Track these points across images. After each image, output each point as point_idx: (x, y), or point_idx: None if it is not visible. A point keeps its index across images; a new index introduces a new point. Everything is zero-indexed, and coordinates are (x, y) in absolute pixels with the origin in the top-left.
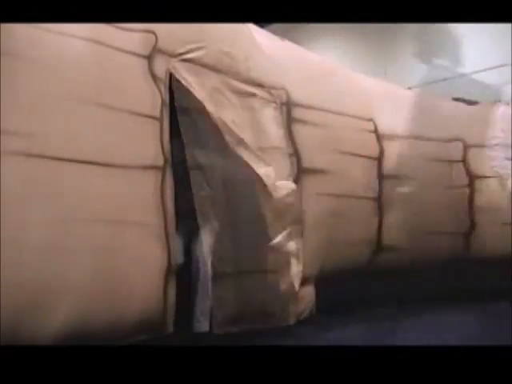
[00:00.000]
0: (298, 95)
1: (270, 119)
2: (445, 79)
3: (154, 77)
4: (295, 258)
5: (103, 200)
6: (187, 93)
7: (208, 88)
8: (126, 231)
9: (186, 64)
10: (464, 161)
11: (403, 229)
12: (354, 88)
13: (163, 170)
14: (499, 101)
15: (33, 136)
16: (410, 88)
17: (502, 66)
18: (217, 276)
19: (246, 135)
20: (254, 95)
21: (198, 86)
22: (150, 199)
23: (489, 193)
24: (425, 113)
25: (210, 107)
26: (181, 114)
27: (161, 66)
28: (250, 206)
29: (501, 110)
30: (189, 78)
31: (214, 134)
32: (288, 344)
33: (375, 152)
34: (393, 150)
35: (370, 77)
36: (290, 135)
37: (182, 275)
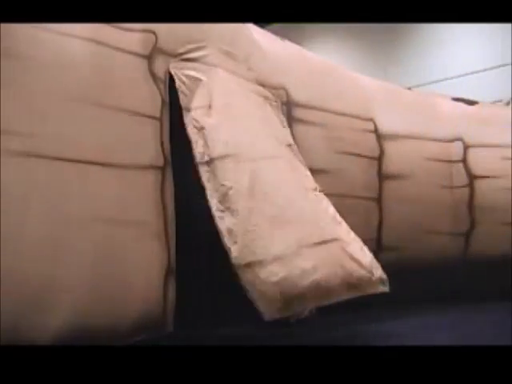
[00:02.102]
0: (298, 95)
1: (275, 117)
2: (445, 79)
3: (154, 77)
4: None
5: (103, 200)
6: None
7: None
8: (126, 231)
9: (187, 63)
10: (464, 161)
11: (403, 228)
12: (353, 88)
13: (163, 170)
14: (499, 101)
15: (33, 136)
16: (409, 88)
17: (502, 65)
18: None
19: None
20: (255, 93)
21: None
22: (150, 199)
23: (489, 193)
24: (425, 113)
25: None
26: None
27: (161, 66)
28: None
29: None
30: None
31: None
32: (288, 344)
33: (375, 152)
34: (393, 150)
35: (370, 77)
36: (290, 135)
37: None
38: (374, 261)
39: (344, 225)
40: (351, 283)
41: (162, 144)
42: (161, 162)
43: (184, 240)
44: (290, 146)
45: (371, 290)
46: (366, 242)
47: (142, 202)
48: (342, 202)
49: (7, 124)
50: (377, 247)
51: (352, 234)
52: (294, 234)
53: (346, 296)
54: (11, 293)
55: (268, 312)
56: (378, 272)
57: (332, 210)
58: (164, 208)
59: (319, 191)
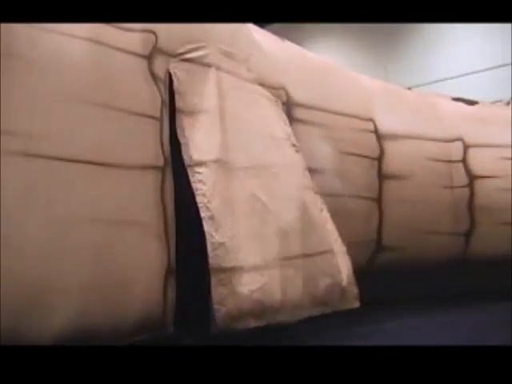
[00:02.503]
0: (298, 95)
1: (277, 117)
2: (445, 79)
3: (153, 77)
4: None
5: (103, 200)
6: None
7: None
8: (126, 231)
9: (187, 64)
10: (464, 161)
11: (403, 229)
12: (354, 88)
13: (163, 170)
14: (499, 101)
15: (32, 136)
16: (409, 88)
17: (501, 66)
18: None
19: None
20: (257, 93)
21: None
22: (150, 199)
23: (489, 193)
24: (425, 113)
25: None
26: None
27: (161, 66)
28: None
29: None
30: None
31: None
32: (288, 344)
33: (375, 152)
34: (393, 150)
35: (370, 77)
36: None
37: None
38: (351, 276)
39: (331, 231)
40: (323, 300)
41: (161, 144)
42: (161, 162)
43: (184, 240)
44: (292, 146)
45: (343, 307)
46: (365, 242)
47: (141, 202)
48: (342, 202)
49: (7, 124)
50: (377, 247)
51: (336, 245)
52: (274, 247)
53: (316, 312)
54: (11, 293)
55: (234, 321)
56: (353, 289)
57: (323, 216)
58: (164, 208)
59: (315, 193)
